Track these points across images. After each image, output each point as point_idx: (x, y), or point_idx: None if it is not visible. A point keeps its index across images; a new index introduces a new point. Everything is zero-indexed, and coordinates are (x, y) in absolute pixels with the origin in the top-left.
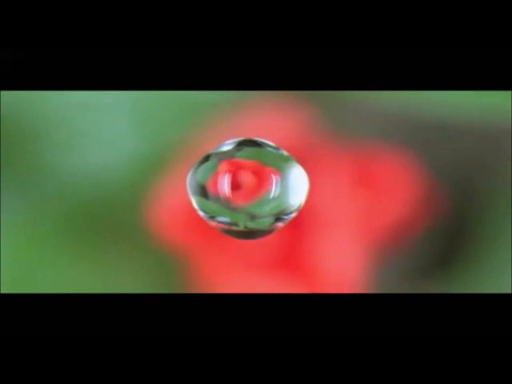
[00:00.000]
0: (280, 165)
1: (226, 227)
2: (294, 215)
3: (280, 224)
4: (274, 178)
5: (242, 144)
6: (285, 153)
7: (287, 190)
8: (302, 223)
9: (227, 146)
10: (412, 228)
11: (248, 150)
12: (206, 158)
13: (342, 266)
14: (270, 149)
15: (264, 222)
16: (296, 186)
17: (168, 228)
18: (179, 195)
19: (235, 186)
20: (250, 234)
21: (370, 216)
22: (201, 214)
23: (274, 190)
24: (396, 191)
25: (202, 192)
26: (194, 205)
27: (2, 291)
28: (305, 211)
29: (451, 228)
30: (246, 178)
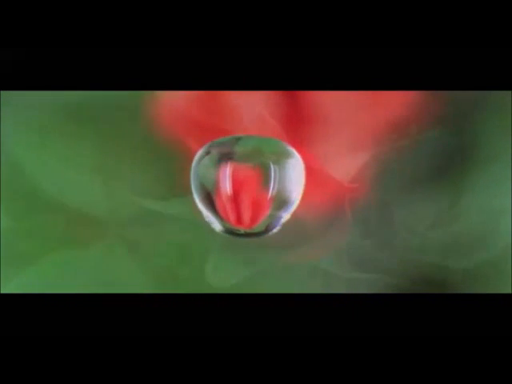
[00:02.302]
0: (278, 158)
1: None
2: (291, 211)
3: (279, 224)
4: (272, 186)
5: (241, 138)
6: (283, 145)
7: (285, 189)
8: (302, 125)
9: (227, 140)
10: (412, 131)
11: (247, 142)
12: (207, 152)
13: (343, 168)
14: (268, 142)
15: (263, 227)
16: (294, 181)
17: (170, 128)
18: (181, 95)
19: (238, 213)
20: (249, 236)
21: (369, 118)
22: (203, 213)
23: (272, 204)
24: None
25: (208, 200)
26: (198, 204)
27: (3, 191)
28: (305, 113)
29: (450, 135)
30: (247, 200)
